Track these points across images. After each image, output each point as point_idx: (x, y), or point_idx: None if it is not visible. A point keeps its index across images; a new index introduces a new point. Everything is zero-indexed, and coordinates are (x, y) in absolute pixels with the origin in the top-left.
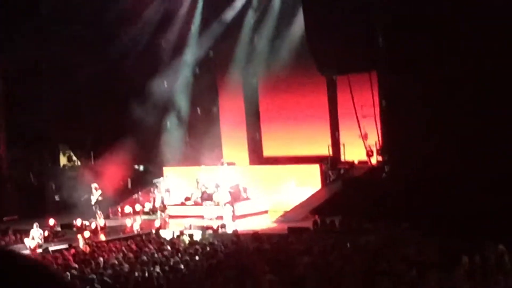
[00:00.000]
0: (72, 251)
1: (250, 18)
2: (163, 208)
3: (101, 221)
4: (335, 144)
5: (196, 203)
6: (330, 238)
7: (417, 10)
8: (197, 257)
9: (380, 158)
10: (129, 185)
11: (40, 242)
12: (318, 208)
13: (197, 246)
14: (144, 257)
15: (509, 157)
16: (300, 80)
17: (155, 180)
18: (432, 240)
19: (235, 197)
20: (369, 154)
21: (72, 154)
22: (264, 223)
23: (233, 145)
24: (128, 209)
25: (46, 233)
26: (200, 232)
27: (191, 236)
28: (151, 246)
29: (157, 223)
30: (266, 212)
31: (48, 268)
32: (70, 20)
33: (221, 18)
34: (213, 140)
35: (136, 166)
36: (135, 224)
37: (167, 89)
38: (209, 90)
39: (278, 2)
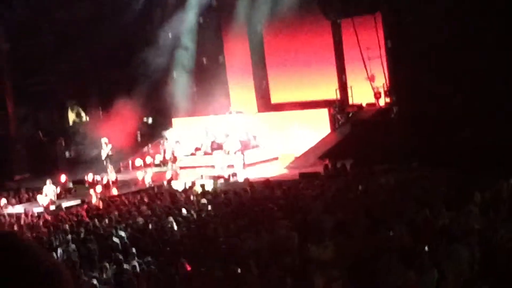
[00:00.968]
0: (85, 206)
1: None
2: (174, 159)
3: (112, 176)
4: (343, 87)
5: (206, 153)
6: (342, 181)
7: None
8: (209, 207)
9: (388, 100)
10: (139, 138)
11: (53, 199)
12: (328, 152)
13: (209, 196)
14: (157, 210)
15: None
16: (305, 25)
17: (164, 132)
18: (443, 179)
19: (245, 145)
20: (377, 96)
21: (80, 109)
22: (275, 170)
23: (241, 93)
24: (138, 162)
25: (58, 190)
26: (211, 181)
27: (202, 186)
28: (163, 198)
29: (168, 175)
30: (276, 158)
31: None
32: None
33: None
34: (220, 89)
35: (145, 119)
36: (146, 176)
37: (172, 41)
38: (214, 39)
39: None
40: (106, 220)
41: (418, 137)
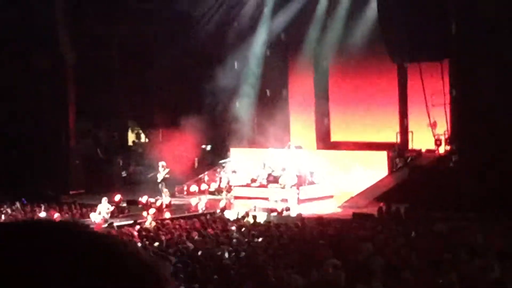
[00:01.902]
0: (137, 227)
1: (324, 0)
2: (229, 188)
3: (166, 199)
4: (404, 131)
5: (261, 185)
6: (395, 225)
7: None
8: (260, 239)
9: (448, 148)
10: (196, 165)
11: (106, 217)
12: (383, 195)
13: (261, 228)
14: (208, 237)
15: None
16: (370, 66)
17: (221, 161)
18: (499, 230)
19: (301, 180)
20: (437, 143)
21: (140, 131)
22: (329, 208)
23: (301, 128)
24: (193, 188)
25: (112, 208)
26: (264, 214)
27: (255, 217)
28: (215, 226)
29: (222, 203)
30: (331, 197)
31: (124, 245)
32: None
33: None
34: (281, 122)
35: (204, 146)
36: (200, 203)
37: (238, 70)
38: (280, 72)
39: None
40: (157, 243)
41: (476, 187)
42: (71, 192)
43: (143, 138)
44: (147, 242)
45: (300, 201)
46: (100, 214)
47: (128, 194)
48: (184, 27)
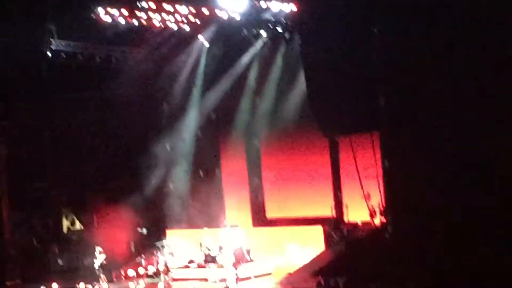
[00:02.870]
0: None
1: (252, 79)
2: (167, 271)
3: (104, 285)
4: (338, 204)
5: (199, 266)
6: None
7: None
8: None
9: (383, 219)
10: (132, 248)
11: None
12: (321, 269)
13: None
14: None
15: None
16: (302, 141)
17: (158, 243)
18: None
19: (239, 259)
20: (372, 214)
21: (75, 217)
22: (268, 285)
23: (236, 207)
24: (131, 272)
25: None
26: None
27: None
28: None
29: (160, 286)
30: (269, 274)
31: None
32: (71, 86)
33: (222, 80)
34: (216, 202)
35: (139, 229)
36: (138, 287)
37: (169, 152)
38: (211, 152)
39: (280, 62)
40: None
41: (412, 259)
42: (7, 283)
43: (78, 225)
44: None
45: (239, 279)
46: None
47: (65, 282)
48: (114, 112)
